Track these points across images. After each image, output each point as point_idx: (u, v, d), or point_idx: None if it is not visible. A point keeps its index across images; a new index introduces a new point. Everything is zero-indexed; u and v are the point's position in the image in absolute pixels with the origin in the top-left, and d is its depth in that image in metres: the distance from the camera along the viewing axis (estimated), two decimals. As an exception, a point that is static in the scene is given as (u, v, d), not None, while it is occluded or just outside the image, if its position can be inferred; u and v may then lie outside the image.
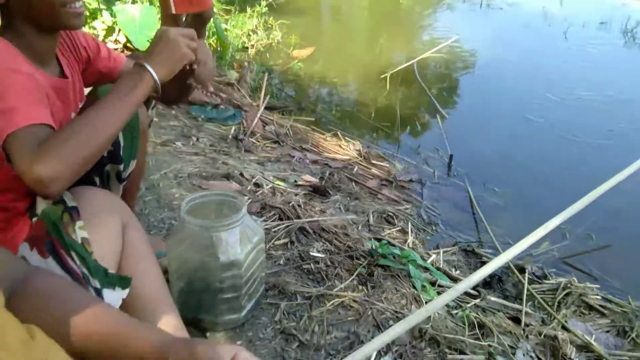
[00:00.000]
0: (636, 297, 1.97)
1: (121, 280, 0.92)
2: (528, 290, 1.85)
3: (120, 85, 0.97)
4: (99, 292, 0.88)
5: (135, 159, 1.27)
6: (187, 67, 1.08)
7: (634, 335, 1.75)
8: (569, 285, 1.96)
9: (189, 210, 1.26)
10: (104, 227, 0.95)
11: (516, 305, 1.78)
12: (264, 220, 1.81)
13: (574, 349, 1.56)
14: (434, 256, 1.91)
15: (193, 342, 0.69)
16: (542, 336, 1.58)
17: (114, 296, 0.90)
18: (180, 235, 1.24)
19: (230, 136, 2.79)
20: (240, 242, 1.23)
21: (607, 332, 1.78)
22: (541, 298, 1.84)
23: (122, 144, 1.22)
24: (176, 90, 1.27)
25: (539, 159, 2.99)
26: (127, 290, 0.92)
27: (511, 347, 1.46)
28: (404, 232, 2.09)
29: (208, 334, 1.26)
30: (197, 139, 2.64)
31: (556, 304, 1.86)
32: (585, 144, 3.12)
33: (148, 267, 0.99)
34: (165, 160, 2.20)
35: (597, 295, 1.95)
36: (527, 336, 1.56)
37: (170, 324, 0.95)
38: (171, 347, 0.69)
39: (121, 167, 1.22)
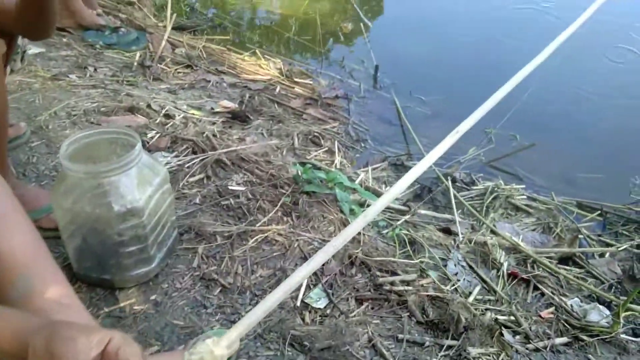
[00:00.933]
0: (559, 193, 2.02)
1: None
2: (456, 197, 1.83)
3: None
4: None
5: None
6: None
7: (558, 230, 1.80)
8: (496, 188, 1.97)
9: (72, 155, 1.07)
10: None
11: (446, 216, 1.77)
12: (176, 156, 1.64)
13: (503, 252, 1.58)
14: (362, 175, 1.84)
15: (56, 329, 0.56)
16: (472, 243, 1.58)
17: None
18: (64, 186, 1.06)
19: (135, 63, 2.49)
20: (138, 186, 1.07)
21: (533, 230, 1.83)
22: (470, 204, 1.83)
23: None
24: (35, 14, 1.03)
25: (465, 63, 2.92)
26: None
27: (442, 259, 1.45)
28: (331, 152, 1.99)
29: (118, 292, 1.13)
30: (95, 70, 2.32)
31: (484, 208, 1.87)
32: (514, 45, 3.06)
33: (11, 225, 0.80)
34: (56, 97, 1.92)
35: (523, 195, 1.99)
36: (457, 246, 1.55)
37: (51, 292, 0.79)
38: (31, 336, 0.56)
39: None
